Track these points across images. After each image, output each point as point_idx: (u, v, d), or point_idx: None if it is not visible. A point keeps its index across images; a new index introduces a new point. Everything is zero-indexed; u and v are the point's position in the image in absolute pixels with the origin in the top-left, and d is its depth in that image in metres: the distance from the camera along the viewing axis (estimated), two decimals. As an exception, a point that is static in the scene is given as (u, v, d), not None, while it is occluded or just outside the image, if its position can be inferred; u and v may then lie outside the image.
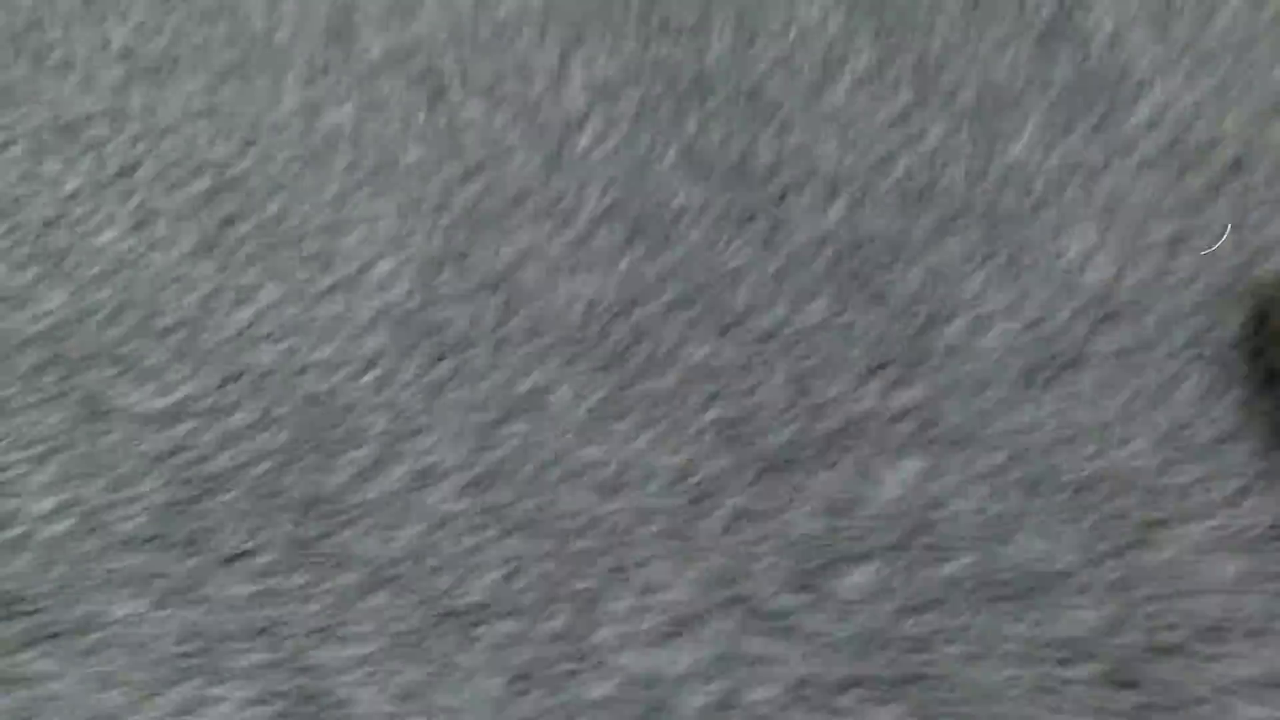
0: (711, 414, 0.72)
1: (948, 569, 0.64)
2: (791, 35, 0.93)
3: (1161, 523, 0.64)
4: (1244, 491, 0.64)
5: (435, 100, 0.92)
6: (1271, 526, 0.63)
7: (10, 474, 0.73)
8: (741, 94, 0.90)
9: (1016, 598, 0.62)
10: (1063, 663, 0.59)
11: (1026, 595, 0.62)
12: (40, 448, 0.74)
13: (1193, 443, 0.67)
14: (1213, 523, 0.63)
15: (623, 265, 0.80)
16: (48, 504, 0.72)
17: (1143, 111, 0.83)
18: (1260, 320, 0.70)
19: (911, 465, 0.68)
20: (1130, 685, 0.58)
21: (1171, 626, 0.60)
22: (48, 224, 0.87)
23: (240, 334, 0.79)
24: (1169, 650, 0.59)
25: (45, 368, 0.79)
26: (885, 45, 0.90)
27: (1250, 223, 0.75)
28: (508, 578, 0.66)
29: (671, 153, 0.87)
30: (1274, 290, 0.69)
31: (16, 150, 0.93)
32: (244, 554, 0.68)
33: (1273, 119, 0.80)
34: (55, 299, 0.82)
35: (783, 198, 0.82)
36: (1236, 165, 0.78)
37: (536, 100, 0.91)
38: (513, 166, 0.87)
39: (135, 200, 0.88)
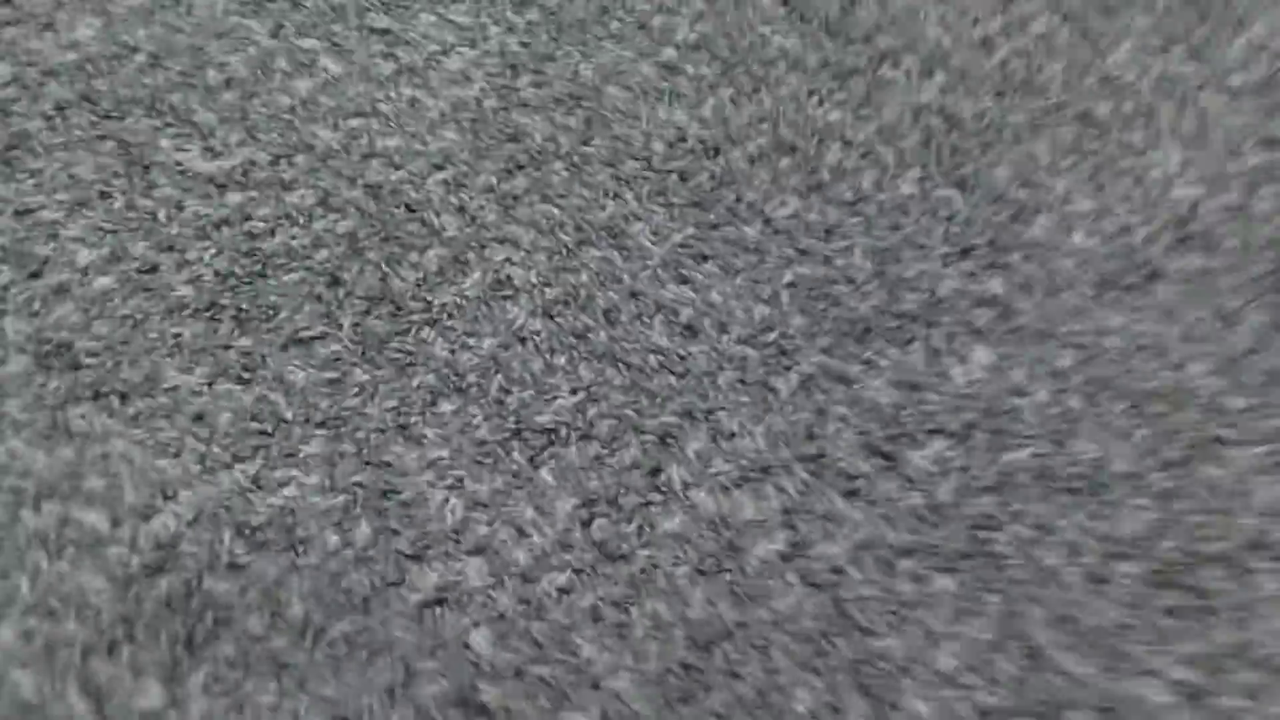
0: (792, 273, 0.71)
1: (1012, 456, 0.66)
2: (905, -110, 0.88)
3: (1214, 441, 0.67)
4: (1286, 423, 0.68)
5: (518, -116, 0.84)
6: (1306, 459, 0.67)
7: (41, 216, 0.67)
8: (846, -56, 0.85)
9: (1073, 491, 0.65)
10: (1111, 557, 0.63)
11: (1082, 491, 0.66)
12: (74, 193, 0.68)
13: (1253, 371, 0.70)
14: (1262, 449, 0.67)
15: (711, 103, 0.77)
16: (87, 255, 0.66)
17: (1240, 43, 0.83)
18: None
19: (984, 354, 0.69)
20: (1172, 586, 0.62)
21: (1214, 538, 0.64)
22: (72, -60, 0.77)
23: (298, 106, 0.73)
24: (1210, 559, 0.63)
25: (75, 105, 0.71)
26: (999, -79, 0.87)
27: (1328, 171, 0.77)
28: (581, 405, 0.65)
29: (769, -7, 0.82)
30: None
31: None
32: (308, 340, 0.65)
33: (1367, 72, 0.81)
34: (85, 30, 0.73)
35: (880, 63, 0.80)
36: (1324, 112, 0.79)
37: (630, -93, 0.84)
38: (601, -24, 0.81)
39: (175, -68, 0.79)
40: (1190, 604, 0.62)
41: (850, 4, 0.82)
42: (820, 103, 0.77)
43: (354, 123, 0.72)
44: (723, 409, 0.66)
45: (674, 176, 0.73)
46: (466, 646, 0.57)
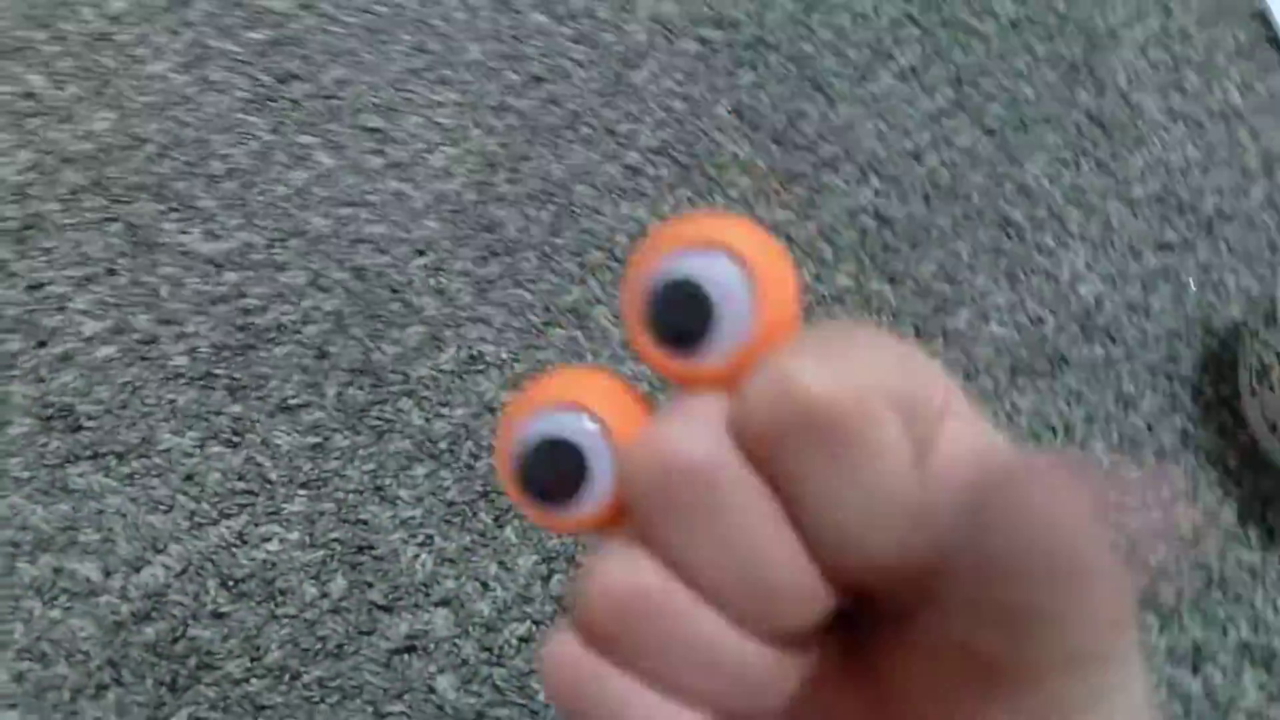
0: (739, 355, 0.78)
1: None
2: (846, 18, 0.98)
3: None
4: (1174, 499, 0.76)
5: (501, 2, 0.94)
6: (1192, 531, 0.75)
7: (53, 290, 0.73)
8: (794, 62, 0.95)
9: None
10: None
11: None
12: (83, 270, 0.74)
13: (1143, 451, 0.78)
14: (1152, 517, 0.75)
15: (670, 201, 0.85)
16: (92, 326, 0.72)
17: (1140, 158, 0.93)
18: (1216, 362, 0.81)
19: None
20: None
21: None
22: (93, 41, 0.85)
23: (293, 195, 0.80)
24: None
25: (88, 190, 0.78)
26: (929, 46, 0.97)
27: (1215, 274, 0.87)
28: (544, 471, 0.71)
29: (723, 104, 0.91)
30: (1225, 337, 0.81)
31: (56, -44, 0.89)
32: (294, 407, 0.71)
33: (1250, 185, 0.92)
34: (100, 122, 0.81)
35: (821, 169, 0.89)
36: (1212, 221, 0.89)
37: (601, 24, 0.94)
38: (572, 85, 0.90)
39: (188, 36, 0.87)
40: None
41: (796, 116, 0.91)
42: (768, 203, 0.86)
43: (344, 211, 0.80)
44: (673, 477, 0.73)
45: (633, 266, 0.81)
46: (432, 691, 0.62)
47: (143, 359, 0.71)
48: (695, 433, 0.17)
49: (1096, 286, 0.85)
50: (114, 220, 0.77)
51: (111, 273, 0.74)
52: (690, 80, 0.92)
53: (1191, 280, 0.86)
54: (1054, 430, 0.78)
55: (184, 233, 0.77)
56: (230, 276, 0.76)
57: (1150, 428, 0.78)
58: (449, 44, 0.90)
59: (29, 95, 0.81)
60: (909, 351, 0.19)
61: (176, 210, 0.78)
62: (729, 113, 0.90)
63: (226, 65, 0.86)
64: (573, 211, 0.83)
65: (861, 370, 0.17)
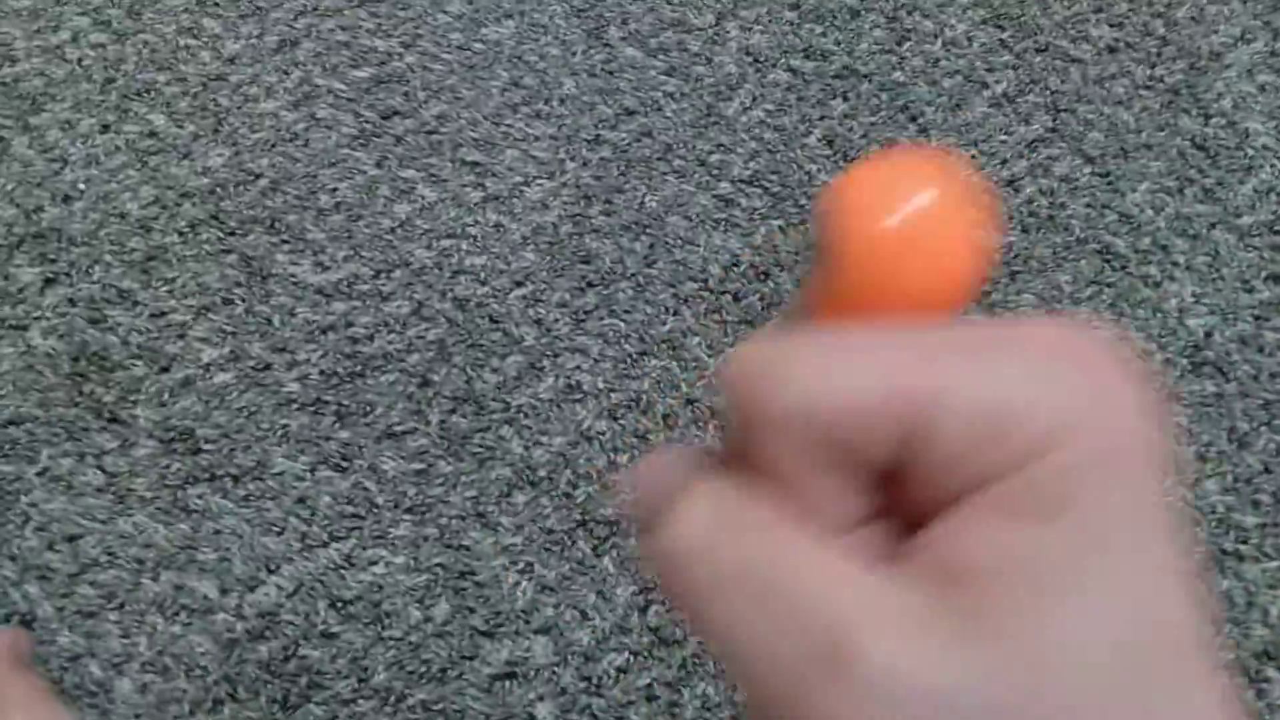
0: (834, 386, 0.78)
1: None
2: (938, 44, 0.98)
3: (1224, 557, 0.72)
4: (1297, 540, 0.73)
5: (594, 36, 0.96)
6: (1317, 574, 0.72)
7: (173, 319, 0.76)
8: (885, 91, 0.95)
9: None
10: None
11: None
12: (202, 299, 0.77)
13: (1259, 493, 0.75)
14: (1267, 565, 0.72)
15: (763, 231, 0.85)
16: (210, 354, 0.75)
17: (1250, 186, 0.90)
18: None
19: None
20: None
21: (1225, 648, 0.68)
22: (210, 81, 0.89)
23: (397, 228, 0.83)
24: (1223, 667, 0.67)
25: (205, 223, 0.81)
26: (1024, 73, 0.96)
27: (1333, 306, 0.84)
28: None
29: (815, 134, 0.92)
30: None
31: (177, 0, 0.94)
32: (399, 434, 0.73)
33: (1367, 216, 0.88)
34: (216, 158, 0.85)
35: (915, 198, 0.88)
36: (1328, 252, 0.86)
37: (692, 57, 0.95)
38: (665, 117, 0.91)
39: (296, 76, 0.91)
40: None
41: (889, 145, 0.91)
42: (860, 233, 0.86)
43: (446, 243, 0.82)
44: (768, 508, 0.73)
45: (728, 297, 0.81)
46: (531, 718, 0.63)
47: (257, 385, 0.74)
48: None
49: (1205, 319, 0.83)
50: (230, 252, 0.80)
51: (228, 302, 0.78)
52: (781, 111, 0.92)
53: (1307, 312, 0.83)
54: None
55: (295, 264, 0.80)
56: (338, 306, 0.78)
57: (1267, 468, 0.76)
58: (544, 79, 0.92)
59: (151, 134, 0.86)
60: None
61: (288, 242, 0.81)
62: (820, 142, 0.91)
63: (333, 103, 0.89)
64: (666, 242, 0.84)
65: (810, 375, 0.17)
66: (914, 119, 0.93)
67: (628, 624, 0.67)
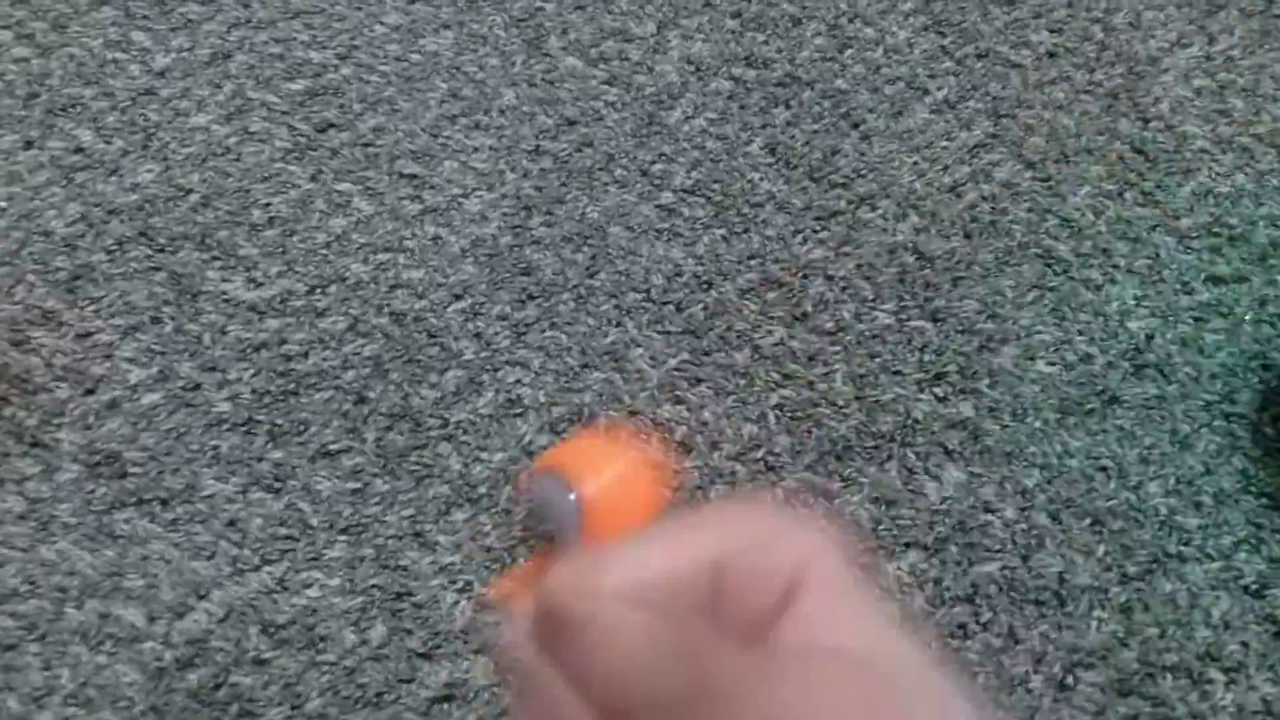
0: (778, 396, 0.77)
1: (982, 569, 0.71)
2: (880, 51, 0.98)
3: (1168, 559, 0.72)
4: (1238, 545, 0.73)
5: (534, 46, 0.95)
6: (1258, 579, 0.72)
7: (99, 339, 0.74)
8: (828, 98, 0.95)
9: (1039, 603, 0.70)
10: (1075, 666, 0.67)
11: (1048, 602, 0.70)
12: (129, 319, 0.75)
13: (1201, 494, 0.75)
14: (1210, 566, 0.72)
15: (705, 241, 0.85)
16: (138, 374, 0.73)
17: (1188, 189, 0.91)
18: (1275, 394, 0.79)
19: (956, 473, 0.75)
20: (1132, 694, 0.66)
21: (1169, 650, 0.68)
22: (139, 96, 0.87)
23: (333, 242, 0.81)
24: (1169, 669, 0.67)
25: (134, 241, 0.79)
26: (965, 79, 0.96)
27: (1272, 306, 0.84)
28: (582, 515, 0.71)
29: (758, 142, 0.91)
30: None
31: (106, 12, 0.92)
32: (334, 453, 0.71)
33: (1302, 217, 0.89)
34: (145, 174, 0.83)
35: (858, 204, 0.88)
36: (1266, 252, 0.87)
37: (633, 67, 0.94)
38: (606, 127, 0.90)
39: (229, 88, 0.89)
40: (1150, 711, 0.66)
41: (831, 153, 0.91)
42: (804, 241, 0.85)
43: (383, 257, 0.80)
44: (712, 521, 0.72)
45: (670, 307, 0.81)
46: (470, 742, 0.61)
47: (187, 405, 0.72)
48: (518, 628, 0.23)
49: (1146, 321, 0.83)
50: (159, 269, 0.78)
51: (157, 320, 0.76)
52: (723, 119, 0.92)
53: (1247, 315, 0.84)
54: (1107, 472, 0.76)
55: (226, 280, 0.78)
56: (271, 323, 0.77)
57: (1208, 469, 0.76)
58: (483, 89, 0.91)
59: (78, 150, 0.83)
60: (759, 536, 0.23)
61: (219, 259, 0.79)
62: (763, 150, 0.90)
63: (266, 116, 0.87)
64: (608, 253, 0.83)
65: (616, 570, 0.22)
66: (856, 125, 0.93)
67: (569, 642, 0.66)
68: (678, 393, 0.77)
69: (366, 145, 0.87)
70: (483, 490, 0.71)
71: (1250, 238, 0.88)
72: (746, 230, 0.85)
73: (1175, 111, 0.96)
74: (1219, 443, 0.78)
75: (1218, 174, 0.92)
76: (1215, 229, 0.89)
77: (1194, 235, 0.88)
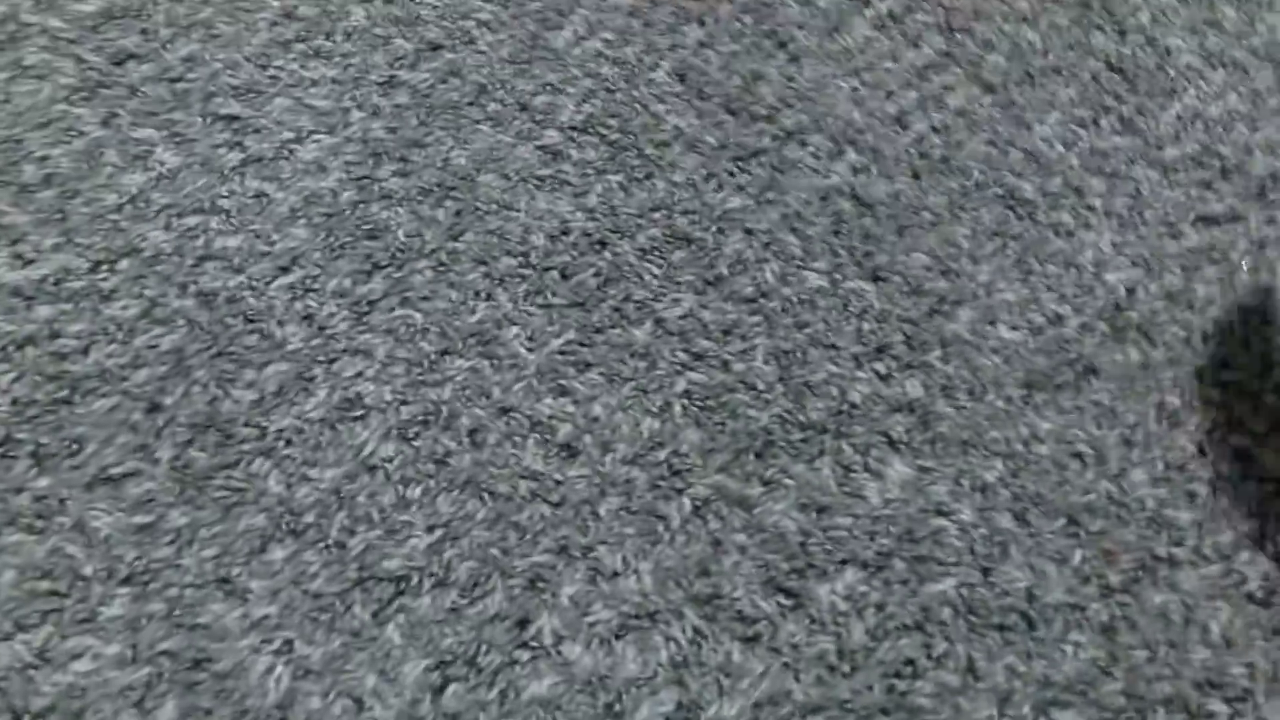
0: (686, 380, 0.63)
1: (933, 588, 0.58)
2: (811, -44, 0.82)
3: (1157, 563, 0.60)
4: (1238, 545, 0.61)
5: (393, -45, 0.78)
6: (1264, 582, 0.60)
7: None
8: (749, 13, 0.79)
9: (1004, 628, 0.57)
10: (1049, 705, 0.55)
11: (1014, 627, 0.57)
12: None
13: (1194, 482, 0.63)
14: (1215, 569, 0.60)
15: (598, 191, 0.69)
16: None
17: (1172, 112, 0.77)
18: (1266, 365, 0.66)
19: (902, 468, 0.62)
20: (1118, 742, 0.54)
21: (1161, 677, 0.56)
22: (-120, 23, 0.69)
23: (126, 204, 0.65)
24: (1161, 702, 0.55)
25: None
26: (912, -13, 0.81)
27: (1273, 250, 0.71)
28: (437, 544, 0.56)
29: (664, 67, 0.76)
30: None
31: None
32: (116, 478, 0.56)
33: (1306, 144, 0.76)
34: (-117, 121, 0.65)
35: (785, 141, 0.73)
36: (1264, 185, 0.74)
37: (515, -22, 0.78)
38: (477, 52, 0.74)
39: None
40: (1140, 765, 0.54)
41: (753, 79, 0.75)
42: (719, 188, 0.70)
43: (190, 221, 0.64)
44: (604, 543, 0.58)
45: (554, 274, 0.66)
46: None
47: (-78, 425, 0.56)
48: None
49: (1126, 273, 0.69)
50: (-106, 246, 0.61)
51: (-112, 314, 0.59)
52: (623, 40, 0.76)
53: (1244, 261, 0.70)
54: (1082, 459, 0.63)
55: (-17, 258, 0.62)
56: (42, 311, 0.60)
57: (1202, 449, 0.63)
58: (325, 7, 0.74)
59: None
60: None
61: (-25, 230, 0.62)
62: (670, 77, 0.75)
63: (47, 45, 0.70)
64: (477, 208, 0.67)
65: None
66: (782, 45, 0.77)
67: (417, 712, 0.52)
68: (562, 381, 0.62)
69: (174, 80, 0.70)
70: (309, 519, 0.56)
71: (1246, 168, 0.74)
72: (649, 176, 0.70)
73: (1156, 22, 0.81)
74: (1213, 416, 0.65)
75: (1206, 95, 0.78)
76: (1204, 160, 0.75)
77: (1180, 168, 0.74)
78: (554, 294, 0.65)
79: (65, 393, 0.58)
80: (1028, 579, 0.59)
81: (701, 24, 0.78)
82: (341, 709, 0.51)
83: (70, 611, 0.53)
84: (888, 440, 0.63)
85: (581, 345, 0.63)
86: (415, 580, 0.55)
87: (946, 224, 0.71)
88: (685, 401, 0.62)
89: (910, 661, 0.56)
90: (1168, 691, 0.57)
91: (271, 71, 0.71)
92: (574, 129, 0.71)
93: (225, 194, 0.66)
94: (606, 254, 0.67)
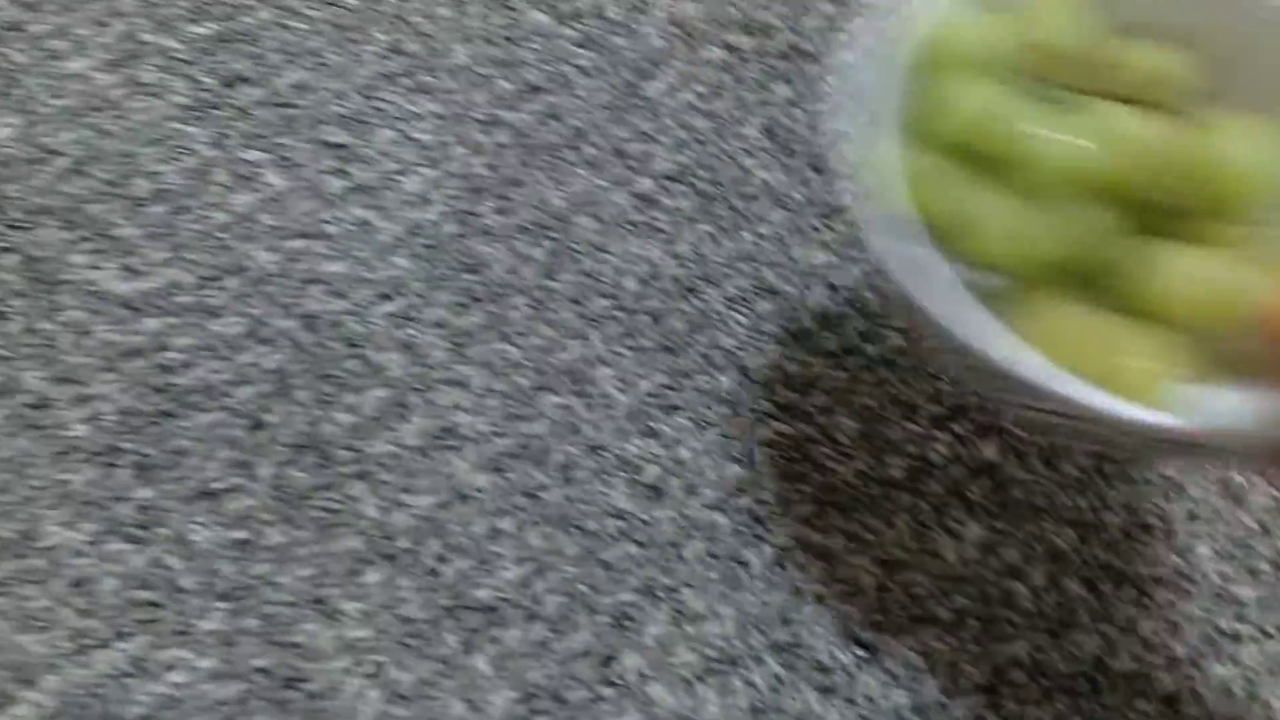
0: (769, 431, 0.65)
1: (1004, 649, 0.59)
2: (894, 24, 0.84)
3: (1222, 638, 0.61)
4: (1305, 621, 0.62)
5: (493, -3, 0.80)
6: (1331, 664, 0.61)
7: (-77, 337, 0.59)
8: (836, 75, 0.81)
9: (1072, 692, 0.58)
10: (1122, 778, 0.56)
11: (1083, 693, 0.58)
12: (-35, 311, 0.60)
13: (1255, 559, 0.64)
14: (1269, 647, 0.61)
15: (688, 238, 0.71)
16: (-31, 385, 0.58)
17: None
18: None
19: (976, 530, 0.63)
20: (1191, 816, 0.55)
21: (1234, 757, 0.57)
22: (2, 32, 0.71)
23: (234, 224, 0.66)
24: (1234, 785, 0.56)
25: (-19, 211, 0.64)
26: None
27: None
28: (528, 578, 0.57)
29: (753, 123, 0.78)
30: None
31: (-31, -70, 0.76)
32: (216, 493, 0.57)
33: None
34: (3, 129, 0.67)
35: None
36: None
37: (610, 26, 0.80)
38: (575, 96, 0.76)
39: (118, 29, 0.73)
40: (1212, 841, 0.55)
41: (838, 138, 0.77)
42: (804, 242, 0.72)
43: (295, 244, 0.66)
44: (688, 585, 0.59)
45: (645, 317, 0.67)
46: None
47: (32, 427, 0.58)
48: None
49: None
50: (9, 250, 0.63)
51: (1, 316, 0.61)
52: (714, 94, 0.78)
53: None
54: (1150, 531, 0.64)
55: (95, 268, 0.63)
56: (150, 324, 0.62)
57: (1264, 528, 0.65)
58: (430, 45, 0.76)
59: (-82, 95, 0.68)
60: None
61: (89, 240, 0.64)
62: (760, 133, 0.77)
63: (162, 64, 0.72)
64: (572, 249, 0.69)
65: None
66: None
67: (505, 744, 0.52)
68: (650, 423, 0.63)
69: (284, 106, 0.72)
70: (403, 544, 0.57)
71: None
72: (737, 227, 0.72)
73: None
74: (1275, 496, 0.66)
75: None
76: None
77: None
78: (644, 337, 0.66)
79: (170, 406, 0.59)
80: (1096, 645, 0.60)
81: (789, 83, 0.80)
82: (431, 735, 0.52)
83: (168, 623, 0.53)
84: (964, 501, 0.64)
85: (670, 389, 0.65)
86: (504, 611, 0.56)
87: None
88: (768, 450, 0.64)
89: (981, 719, 0.57)
90: (1234, 769, 0.57)
91: (376, 103, 0.73)
92: (666, 177, 0.73)
93: (330, 220, 0.67)
94: (695, 301, 0.68)
